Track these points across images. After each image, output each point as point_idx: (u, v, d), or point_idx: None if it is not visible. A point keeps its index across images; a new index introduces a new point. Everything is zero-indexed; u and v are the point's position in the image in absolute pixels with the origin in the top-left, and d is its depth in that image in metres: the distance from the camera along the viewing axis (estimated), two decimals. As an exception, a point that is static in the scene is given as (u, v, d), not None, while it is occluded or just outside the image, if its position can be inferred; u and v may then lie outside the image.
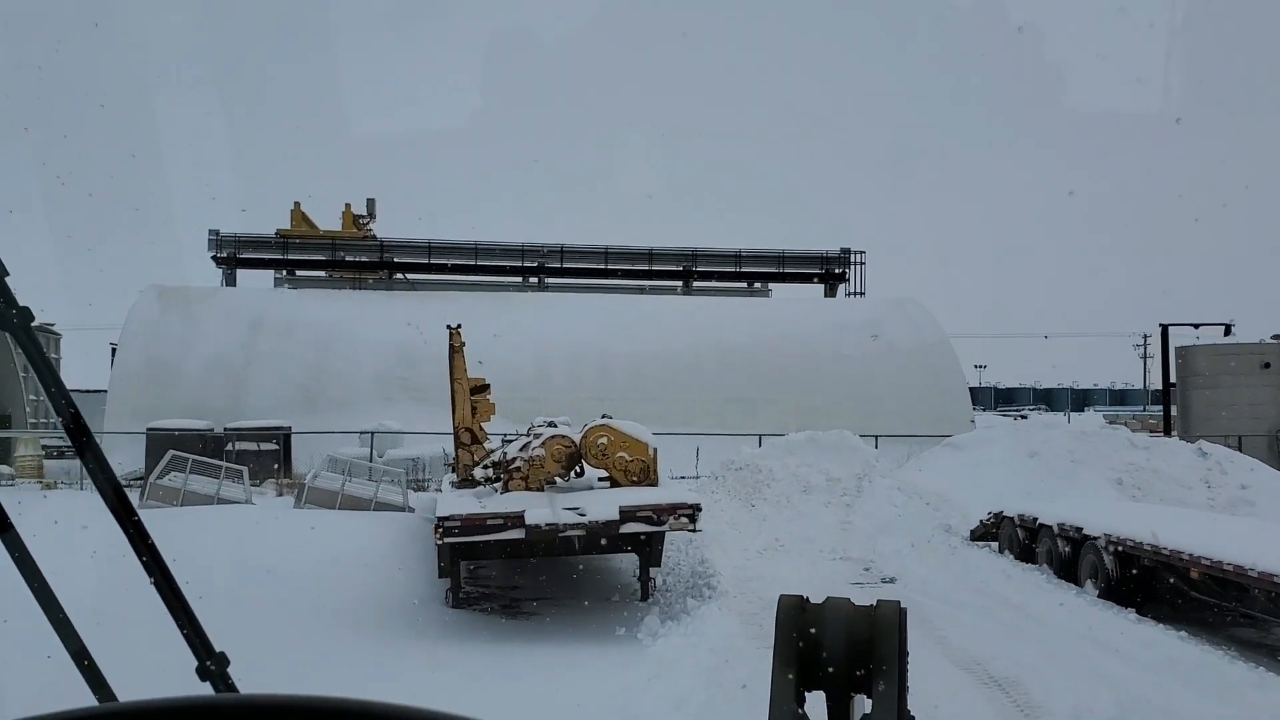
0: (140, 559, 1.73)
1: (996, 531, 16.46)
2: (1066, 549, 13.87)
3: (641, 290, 43.20)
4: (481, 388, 14.95)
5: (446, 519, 11.05)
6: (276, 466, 26.00)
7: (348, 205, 43.39)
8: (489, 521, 11.12)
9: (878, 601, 1.51)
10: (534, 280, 42.69)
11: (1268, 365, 27.13)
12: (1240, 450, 22.74)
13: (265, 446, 26.74)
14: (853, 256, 44.26)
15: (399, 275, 42.82)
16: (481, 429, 15.10)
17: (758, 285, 45.69)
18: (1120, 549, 12.42)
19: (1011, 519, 15.70)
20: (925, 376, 34.13)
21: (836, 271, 44.22)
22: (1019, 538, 15.44)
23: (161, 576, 1.73)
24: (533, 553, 12.03)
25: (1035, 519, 14.82)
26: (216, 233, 41.35)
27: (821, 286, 44.68)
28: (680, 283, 43.79)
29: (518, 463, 12.20)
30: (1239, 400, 26.91)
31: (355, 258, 41.78)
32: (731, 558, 16.39)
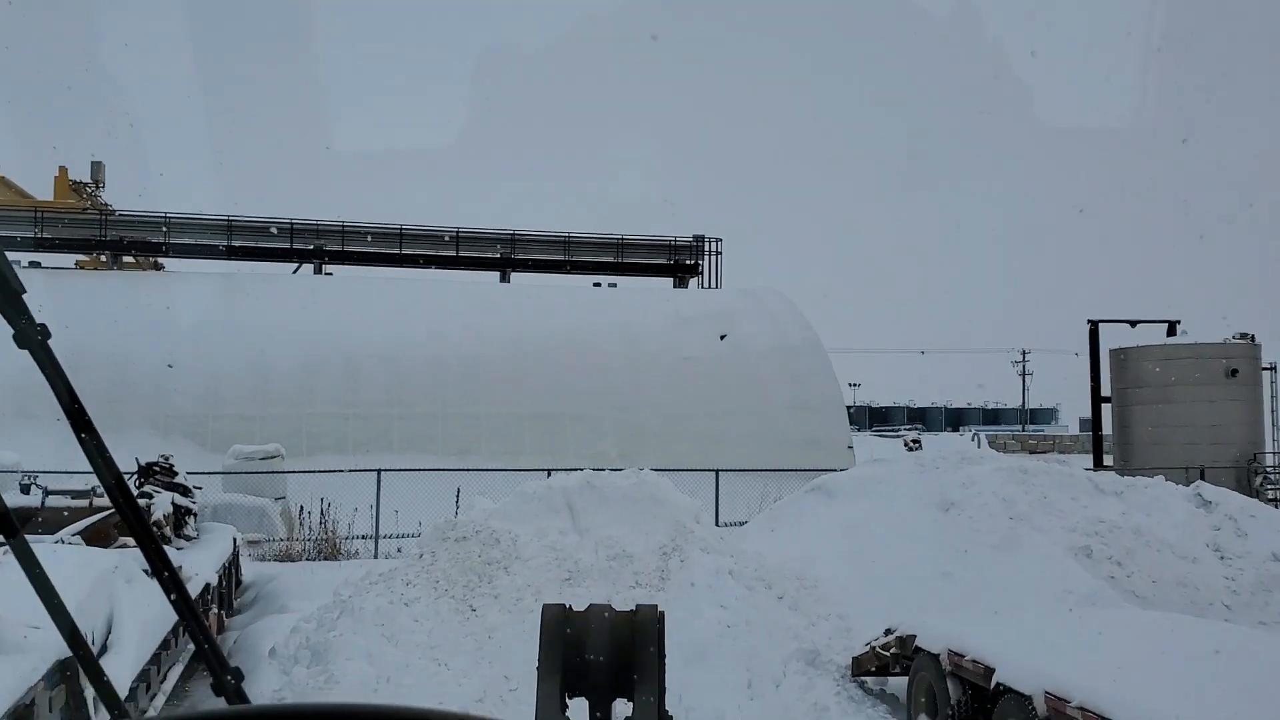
0: (159, 576, 1.67)
1: (903, 669, 8.77)
2: (1074, 762, 6.17)
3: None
4: None
5: None
6: None
7: (62, 169, 33.45)
8: None
9: (637, 606, 1.61)
10: (311, 265, 33.69)
11: (1235, 372, 20.28)
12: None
13: None
14: (708, 245, 36.83)
15: (136, 255, 33.29)
16: None
17: (602, 282, 37.83)
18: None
19: (935, 657, 7.98)
20: (789, 388, 26.51)
21: (688, 262, 36.71)
22: (950, 697, 7.72)
23: (179, 595, 1.66)
24: None
25: (991, 670, 7.10)
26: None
27: (670, 280, 37.09)
28: (498, 273, 35.52)
29: None
30: (1196, 419, 19.98)
31: (68, 234, 31.98)
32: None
